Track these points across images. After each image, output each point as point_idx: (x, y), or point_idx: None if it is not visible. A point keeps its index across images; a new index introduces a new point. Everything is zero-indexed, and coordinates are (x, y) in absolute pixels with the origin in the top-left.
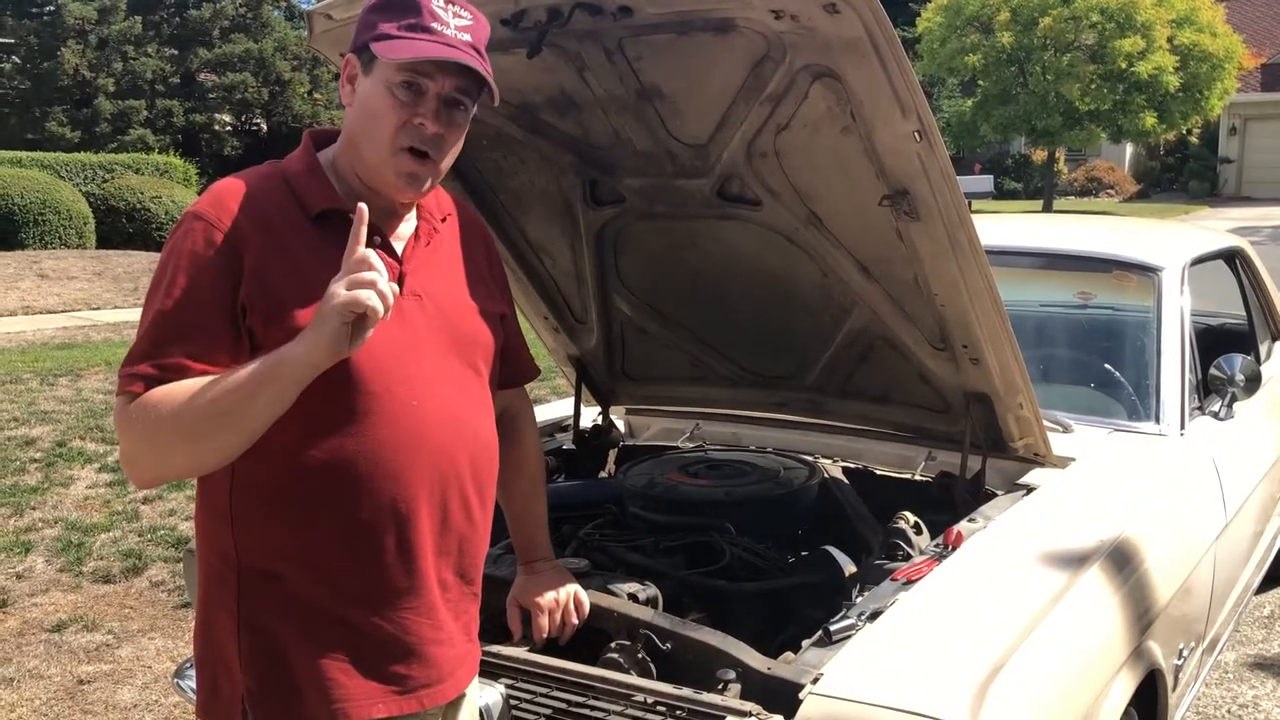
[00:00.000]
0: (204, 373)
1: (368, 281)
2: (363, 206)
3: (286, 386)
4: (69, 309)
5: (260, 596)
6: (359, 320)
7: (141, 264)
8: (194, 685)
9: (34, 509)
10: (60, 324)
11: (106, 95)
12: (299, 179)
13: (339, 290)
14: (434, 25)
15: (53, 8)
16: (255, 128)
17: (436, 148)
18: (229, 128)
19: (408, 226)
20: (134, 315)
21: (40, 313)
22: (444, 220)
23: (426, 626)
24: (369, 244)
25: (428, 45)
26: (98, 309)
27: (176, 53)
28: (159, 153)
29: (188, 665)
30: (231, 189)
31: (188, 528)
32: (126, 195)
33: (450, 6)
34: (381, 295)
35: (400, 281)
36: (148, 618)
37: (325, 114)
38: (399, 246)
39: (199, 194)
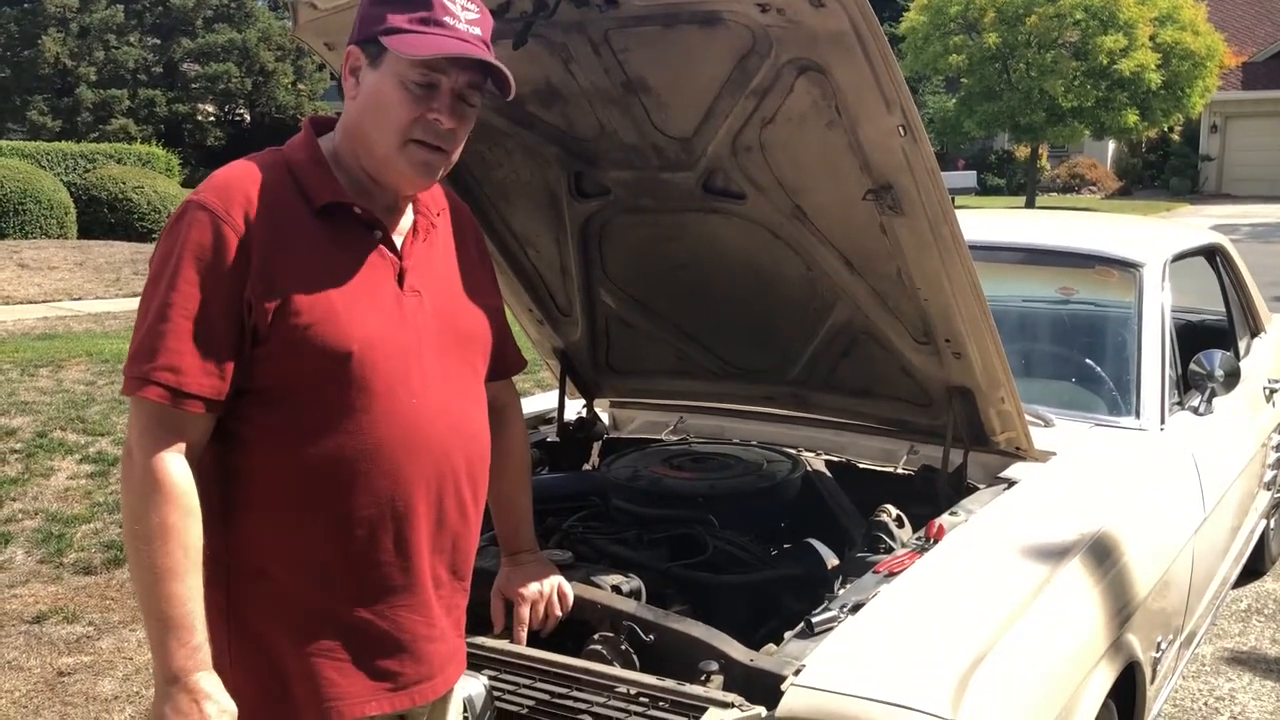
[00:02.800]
0: (206, 374)
1: None
2: None
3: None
4: (50, 299)
5: (252, 594)
6: None
7: (123, 254)
8: None
9: (14, 500)
10: (41, 314)
11: (88, 84)
12: (303, 169)
13: None
14: (446, 19)
15: None
16: (238, 118)
17: (449, 141)
18: (212, 118)
19: (406, 221)
20: (115, 306)
21: (21, 303)
22: (438, 215)
23: (420, 623)
24: (370, 237)
25: (446, 41)
26: (79, 299)
27: (159, 42)
28: (141, 143)
29: None
30: (236, 178)
31: None
32: (108, 185)
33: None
34: None
35: (400, 278)
36: (129, 609)
37: (309, 105)
38: (398, 242)
39: (182, 184)
